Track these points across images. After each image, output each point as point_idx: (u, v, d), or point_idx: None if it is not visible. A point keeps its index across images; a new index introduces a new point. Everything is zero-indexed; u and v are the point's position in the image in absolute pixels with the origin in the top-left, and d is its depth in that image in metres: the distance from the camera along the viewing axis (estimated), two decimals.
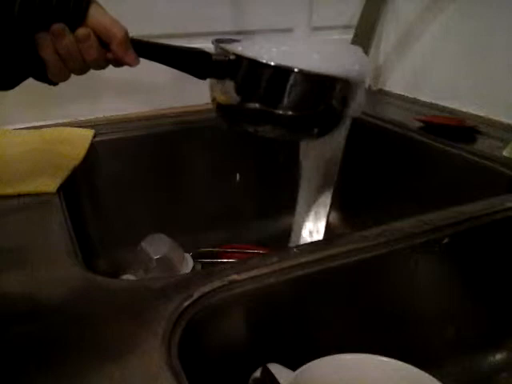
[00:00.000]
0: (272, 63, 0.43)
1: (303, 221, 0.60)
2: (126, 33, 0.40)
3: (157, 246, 0.61)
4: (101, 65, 0.42)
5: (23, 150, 0.58)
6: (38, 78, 0.41)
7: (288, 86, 0.43)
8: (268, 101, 0.44)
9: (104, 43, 0.40)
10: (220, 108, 0.49)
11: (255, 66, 0.43)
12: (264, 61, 0.43)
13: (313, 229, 0.62)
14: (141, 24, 0.68)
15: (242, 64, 0.44)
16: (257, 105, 0.44)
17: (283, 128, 0.47)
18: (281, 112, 0.44)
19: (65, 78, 0.41)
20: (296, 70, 0.43)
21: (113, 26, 0.39)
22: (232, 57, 0.44)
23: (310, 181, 0.57)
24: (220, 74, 0.45)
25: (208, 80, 0.47)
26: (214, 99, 0.49)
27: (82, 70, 0.41)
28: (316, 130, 0.48)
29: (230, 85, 0.45)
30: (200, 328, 0.33)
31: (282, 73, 0.43)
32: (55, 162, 0.55)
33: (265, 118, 0.45)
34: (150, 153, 0.68)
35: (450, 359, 0.47)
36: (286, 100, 0.44)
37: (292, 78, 0.43)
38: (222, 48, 0.46)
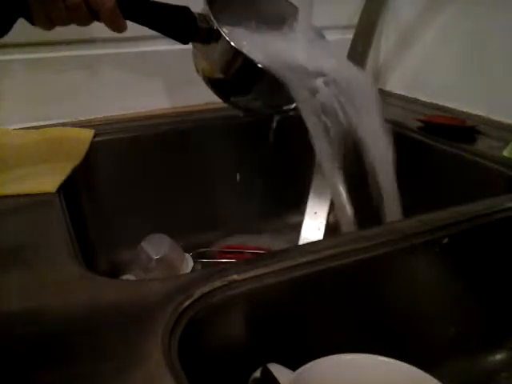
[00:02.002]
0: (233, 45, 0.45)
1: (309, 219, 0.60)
2: (115, 2, 0.41)
3: (157, 246, 0.61)
4: (86, 25, 0.43)
5: (23, 150, 0.58)
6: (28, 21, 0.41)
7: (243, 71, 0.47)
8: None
9: (93, 10, 0.40)
10: (208, 81, 0.51)
11: (228, 46, 0.46)
12: (233, 44, 0.45)
13: (313, 229, 0.62)
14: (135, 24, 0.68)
15: (219, 39, 0.46)
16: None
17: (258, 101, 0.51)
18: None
19: (49, 29, 0.42)
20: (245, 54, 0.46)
21: None
22: (215, 26, 0.45)
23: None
24: (202, 39, 0.47)
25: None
26: (197, 71, 0.52)
27: (66, 25, 0.42)
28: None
29: (210, 54, 0.48)
30: (200, 328, 0.33)
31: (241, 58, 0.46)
32: (55, 162, 0.55)
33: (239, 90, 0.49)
34: (150, 153, 0.68)
35: (450, 359, 0.47)
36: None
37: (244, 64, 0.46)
38: (206, 16, 0.47)
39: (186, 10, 0.46)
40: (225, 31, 0.46)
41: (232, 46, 0.45)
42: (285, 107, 0.52)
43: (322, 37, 0.55)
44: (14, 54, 0.64)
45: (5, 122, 0.65)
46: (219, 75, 0.48)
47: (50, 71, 0.66)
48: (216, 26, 0.45)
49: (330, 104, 0.49)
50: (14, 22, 0.40)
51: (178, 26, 0.46)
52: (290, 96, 0.48)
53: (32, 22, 0.41)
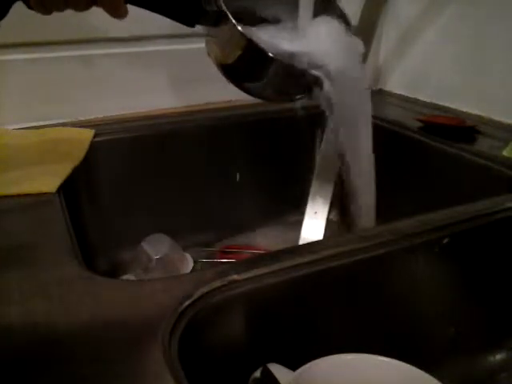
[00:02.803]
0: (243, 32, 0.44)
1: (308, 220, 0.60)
2: None
3: (157, 246, 0.61)
4: (84, 10, 0.42)
5: (23, 150, 0.58)
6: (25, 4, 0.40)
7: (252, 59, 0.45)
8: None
9: None
10: (220, 66, 0.50)
11: (236, 32, 0.44)
12: (240, 29, 0.44)
13: (313, 229, 0.62)
14: (140, 24, 0.68)
15: (227, 23, 0.44)
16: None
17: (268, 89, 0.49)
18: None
19: (46, 14, 0.41)
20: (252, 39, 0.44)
21: None
22: (222, 8, 0.44)
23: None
24: (209, 22, 0.45)
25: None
26: (209, 54, 0.50)
27: (62, 10, 0.41)
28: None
29: (220, 39, 0.46)
30: (200, 328, 0.33)
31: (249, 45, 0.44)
32: (55, 162, 0.55)
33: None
34: (150, 153, 0.68)
35: (450, 359, 0.47)
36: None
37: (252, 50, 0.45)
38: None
39: None
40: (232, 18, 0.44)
41: (239, 31, 0.44)
42: (297, 96, 0.51)
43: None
44: (13, 54, 0.64)
45: (5, 122, 0.65)
46: (229, 60, 0.48)
47: (50, 71, 0.66)
48: (223, 8, 0.44)
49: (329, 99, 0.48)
50: (10, 5, 0.39)
51: (182, 8, 0.44)
52: (299, 84, 0.48)
53: (28, 5, 0.40)
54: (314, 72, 0.46)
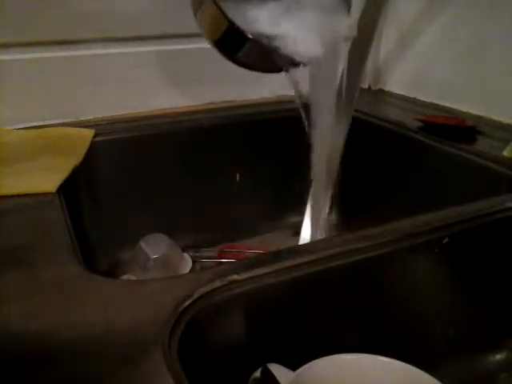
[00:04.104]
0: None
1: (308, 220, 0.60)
2: None
3: (155, 246, 0.61)
4: None
5: (23, 150, 0.58)
6: None
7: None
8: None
9: None
10: (211, 40, 0.50)
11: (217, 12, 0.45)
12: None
13: (313, 228, 0.62)
14: (140, 24, 0.68)
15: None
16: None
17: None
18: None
19: None
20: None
21: None
22: None
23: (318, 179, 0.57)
24: None
25: None
26: (200, 26, 0.50)
27: None
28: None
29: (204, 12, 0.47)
30: (200, 328, 0.33)
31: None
32: (55, 162, 0.55)
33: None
34: (150, 153, 0.68)
35: (450, 359, 0.47)
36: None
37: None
38: None
39: None
40: None
41: (219, 12, 0.45)
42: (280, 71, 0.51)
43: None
44: (14, 54, 0.64)
45: (5, 122, 0.65)
46: (215, 37, 0.48)
47: (50, 71, 0.66)
48: None
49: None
50: None
51: None
52: (277, 62, 0.49)
53: None
54: (287, 55, 0.47)
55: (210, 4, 0.45)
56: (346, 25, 0.51)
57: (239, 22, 0.46)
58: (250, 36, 0.46)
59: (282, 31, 0.47)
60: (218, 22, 0.46)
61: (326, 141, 0.55)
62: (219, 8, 0.45)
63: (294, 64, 0.48)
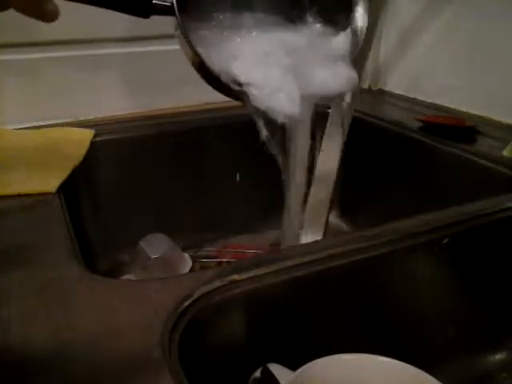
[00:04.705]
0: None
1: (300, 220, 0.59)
2: None
3: (155, 246, 0.61)
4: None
5: (23, 150, 0.58)
6: None
7: None
8: None
9: None
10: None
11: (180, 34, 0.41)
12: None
13: (313, 228, 0.62)
14: (140, 24, 0.68)
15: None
16: None
17: None
18: None
19: None
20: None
21: None
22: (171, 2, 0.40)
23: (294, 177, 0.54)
24: (162, 13, 0.41)
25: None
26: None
27: None
28: None
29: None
30: (200, 328, 0.33)
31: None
32: (55, 162, 0.55)
33: None
34: (149, 153, 0.68)
35: (450, 359, 0.47)
36: None
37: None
38: None
39: None
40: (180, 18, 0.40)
41: (183, 37, 0.41)
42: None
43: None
44: (14, 54, 0.64)
45: (5, 122, 0.65)
46: (192, 64, 0.45)
47: (49, 71, 0.66)
48: (173, 1, 0.40)
49: None
50: None
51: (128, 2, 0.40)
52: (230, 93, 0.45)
53: None
54: (236, 87, 0.43)
55: (180, 36, 0.42)
56: (346, 78, 0.45)
57: (214, 55, 0.42)
58: (220, 78, 0.42)
59: (259, 78, 0.42)
60: (188, 53, 0.43)
61: (304, 169, 0.51)
62: (189, 43, 0.41)
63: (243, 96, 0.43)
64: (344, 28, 0.47)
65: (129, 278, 0.62)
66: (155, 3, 0.41)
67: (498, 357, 0.50)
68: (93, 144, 0.62)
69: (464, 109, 0.72)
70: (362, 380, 0.33)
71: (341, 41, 0.46)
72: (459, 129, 0.65)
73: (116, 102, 0.71)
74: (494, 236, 0.46)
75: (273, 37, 0.45)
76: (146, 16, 0.42)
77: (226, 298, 0.34)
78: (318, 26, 0.47)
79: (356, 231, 0.42)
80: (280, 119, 0.43)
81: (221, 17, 0.46)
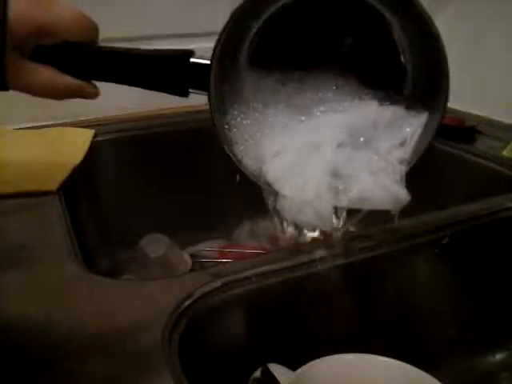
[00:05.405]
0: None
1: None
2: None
3: (155, 246, 0.61)
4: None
5: (23, 150, 0.58)
6: None
7: None
8: None
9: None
10: None
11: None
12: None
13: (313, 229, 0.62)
14: (140, 24, 0.68)
15: None
16: None
17: None
18: None
19: None
20: None
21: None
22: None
23: None
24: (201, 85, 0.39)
25: None
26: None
27: None
28: None
29: None
30: (200, 328, 0.33)
31: None
32: (55, 162, 0.55)
33: None
34: (149, 153, 0.68)
35: (450, 359, 0.47)
36: None
37: None
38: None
39: (182, 59, 0.39)
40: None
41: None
42: None
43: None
44: None
45: (5, 122, 0.64)
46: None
47: None
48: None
49: None
50: None
51: (170, 81, 0.40)
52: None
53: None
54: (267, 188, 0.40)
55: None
56: (391, 197, 0.38)
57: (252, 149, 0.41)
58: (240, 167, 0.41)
59: (292, 190, 0.36)
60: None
61: None
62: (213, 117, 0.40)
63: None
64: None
65: (129, 278, 0.62)
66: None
67: (498, 357, 0.50)
68: (93, 144, 0.62)
69: (464, 109, 0.72)
70: (362, 380, 0.33)
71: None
72: (459, 129, 0.65)
73: (116, 102, 0.71)
74: (494, 236, 0.46)
75: (335, 118, 0.40)
76: (184, 95, 0.43)
77: (225, 298, 0.34)
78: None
79: (356, 231, 0.42)
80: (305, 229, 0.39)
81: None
